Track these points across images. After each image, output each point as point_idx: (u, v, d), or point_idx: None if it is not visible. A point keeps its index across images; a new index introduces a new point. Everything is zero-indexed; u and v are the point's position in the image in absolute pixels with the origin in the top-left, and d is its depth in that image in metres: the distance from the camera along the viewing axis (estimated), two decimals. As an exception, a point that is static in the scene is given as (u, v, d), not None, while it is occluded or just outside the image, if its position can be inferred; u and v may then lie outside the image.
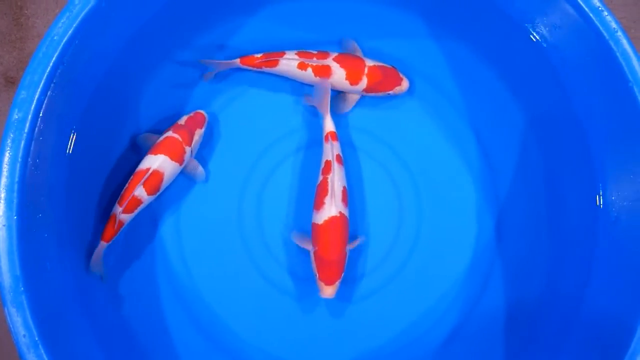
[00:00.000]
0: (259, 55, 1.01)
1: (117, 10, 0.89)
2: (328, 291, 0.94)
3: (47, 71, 0.80)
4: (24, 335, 0.76)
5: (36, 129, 0.81)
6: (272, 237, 1.03)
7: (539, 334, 0.98)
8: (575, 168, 1.00)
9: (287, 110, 1.06)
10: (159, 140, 0.97)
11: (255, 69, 1.02)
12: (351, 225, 1.01)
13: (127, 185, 0.94)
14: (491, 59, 1.07)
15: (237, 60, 1.01)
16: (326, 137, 0.99)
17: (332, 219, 0.94)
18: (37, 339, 0.76)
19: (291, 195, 1.04)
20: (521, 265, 1.02)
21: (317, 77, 1.01)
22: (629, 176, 0.89)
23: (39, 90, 0.80)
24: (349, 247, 0.97)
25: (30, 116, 0.80)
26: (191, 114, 1.00)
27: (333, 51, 1.03)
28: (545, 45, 0.99)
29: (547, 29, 0.97)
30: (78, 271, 0.92)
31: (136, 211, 0.94)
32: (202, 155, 1.04)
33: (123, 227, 0.94)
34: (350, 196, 1.00)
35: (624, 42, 0.86)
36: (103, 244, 0.93)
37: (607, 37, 0.87)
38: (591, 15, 0.88)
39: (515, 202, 1.05)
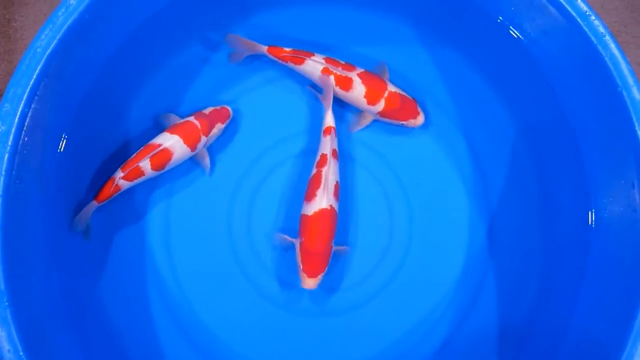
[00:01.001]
0: (287, 49, 1.01)
1: (102, 21, 0.89)
2: (309, 283, 0.94)
3: (31, 84, 0.80)
4: (9, 350, 0.75)
5: (20, 141, 0.80)
6: (261, 244, 1.02)
7: (531, 344, 0.97)
8: (567, 174, 0.99)
9: (289, 114, 1.06)
10: (179, 122, 0.98)
11: (279, 61, 1.02)
12: (341, 234, 1.00)
13: (135, 154, 0.95)
14: (481, 65, 1.07)
15: (265, 47, 1.01)
16: (325, 130, 1.00)
17: (322, 212, 0.94)
18: (21, 353, 0.76)
19: (282, 202, 1.03)
20: (513, 275, 1.01)
21: (323, 76, 1.00)
22: (620, 181, 0.88)
23: (23, 103, 0.80)
24: (334, 248, 0.96)
25: (14, 129, 0.79)
26: (217, 107, 1.01)
27: (360, 67, 1.02)
28: (534, 50, 0.98)
29: (535, 34, 0.97)
30: (64, 284, 0.91)
31: (135, 181, 0.95)
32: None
33: (118, 192, 0.95)
34: (339, 205, 0.99)
35: (612, 46, 0.85)
36: (94, 204, 0.93)
37: (595, 42, 0.86)
38: (579, 20, 0.87)
39: (507, 210, 1.04)
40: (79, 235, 0.95)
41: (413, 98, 1.02)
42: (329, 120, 1.00)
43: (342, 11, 1.07)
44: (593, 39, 0.86)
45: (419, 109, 1.02)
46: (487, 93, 1.07)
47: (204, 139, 0.98)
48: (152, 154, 0.94)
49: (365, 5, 1.07)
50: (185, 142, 0.96)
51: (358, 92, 1.00)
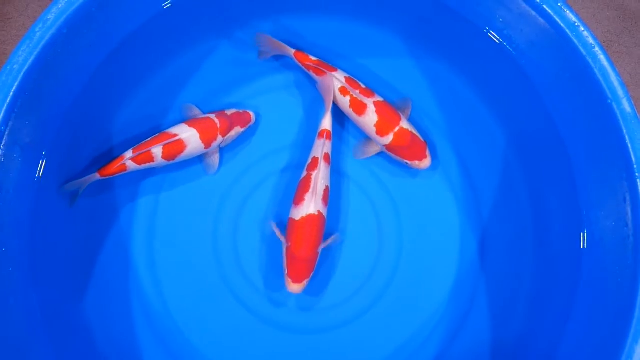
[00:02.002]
0: (313, 58, 1.00)
1: (83, 36, 0.87)
2: (294, 288, 0.93)
3: (7, 102, 0.78)
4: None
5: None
6: (248, 260, 1.00)
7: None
8: (559, 187, 0.97)
9: (280, 127, 1.05)
10: (199, 116, 0.97)
11: (302, 66, 1.01)
12: (327, 249, 0.99)
13: (149, 139, 0.95)
14: (471, 78, 1.05)
15: (292, 51, 1.00)
16: (320, 133, 0.98)
17: (310, 217, 0.92)
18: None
19: (268, 216, 1.01)
20: (505, 290, 0.99)
21: (323, 77, 0.99)
22: (611, 195, 0.86)
23: (-1, 120, 0.78)
24: (323, 245, 0.95)
25: (-10, 147, 0.77)
26: (240, 110, 1.00)
27: (379, 95, 1.00)
28: (523, 62, 0.97)
29: (524, 46, 0.95)
30: (46, 303, 0.89)
31: (143, 166, 0.95)
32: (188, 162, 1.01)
33: (123, 172, 0.94)
34: (327, 219, 0.97)
35: (602, 57, 0.84)
36: (96, 176, 0.93)
37: (584, 54, 0.84)
38: (567, 31, 0.85)
39: (499, 224, 1.02)
40: (63, 256, 0.93)
41: (424, 141, 0.99)
42: (326, 123, 0.99)
43: (333, 22, 1.06)
44: (582, 50, 0.85)
45: (427, 153, 0.99)
46: (477, 105, 1.05)
47: (220, 138, 0.97)
48: (166, 142, 0.94)
49: (355, 17, 1.06)
50: (201, 138, 0.95)
51: (369, 119, 0.98)
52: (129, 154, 0.94)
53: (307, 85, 1.06)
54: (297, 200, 0.94)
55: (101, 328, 0.96)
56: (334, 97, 1.00)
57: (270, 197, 1.02)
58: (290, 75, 1.06)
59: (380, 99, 0.99)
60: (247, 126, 1.01)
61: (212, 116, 0.97)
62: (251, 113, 1.01)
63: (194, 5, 0.98)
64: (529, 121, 1.00)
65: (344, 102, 0.99)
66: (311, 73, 1.01)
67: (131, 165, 0.94)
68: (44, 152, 0.90)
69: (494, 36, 0.98)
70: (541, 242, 0.99)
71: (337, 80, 0.99)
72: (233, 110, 1.00)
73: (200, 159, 1.02)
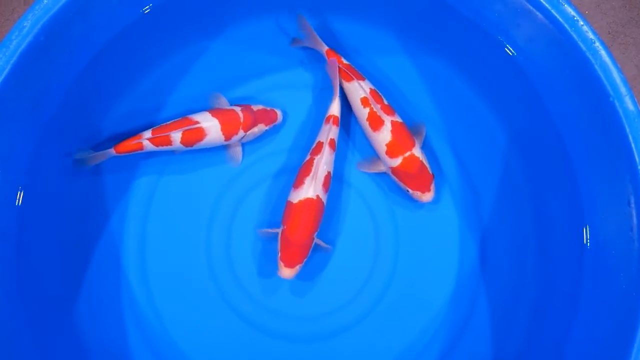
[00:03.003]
0: (344, 62, 0.97)
1: (62, 43, 0.84)
2: (286, 272, 0.90)
3: (-17, 112, 0.76)
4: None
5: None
6: (241, 268, 0.97)
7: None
8: (560, 188, 0.93)
9: (274, 131, 1.01)
10: (225, 107, 0.96)
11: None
12: (323, 255, 0.96)
13: (170, 122, 0.94)
14: (469, 75, 1.01)
15: (325, 48, 0.98)
16: (327, 118, 0.96)
17: (308, 201, 0.90)
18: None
19: (262, 222, 0.99)
20: (506, 296, 0.96)
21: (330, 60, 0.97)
22: (614, 197, 0.82)
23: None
24: (317, 241, 0.93)
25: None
26: (268, 108, 0.98)
27: (398, 116, 0.96)
28: (521, 59, 0.92)
29: (522, 41, 0.91)
30: (33, 317, 0.87)
31: (160, 148, 0.93)
32: (181, 169, 0.99)
33: (139, 151, 0.93)
34: (324, 220, 0.94)
35: (603, 53, 0.79)
36: (112, 152, 0.92)
37: (584, 49, 0.80)
38: (566, 25, 0.81)
39: (500, 226, 0.99)
40: (48, 258, 0.91)
41: (432, 173, 0.95)
42: (334, 108, 0.96)
43: (330, 21, 1.03)
44: (582, 46, 0.80)
45: (432, 187, 0.95)
46: (476, 104, 1.01)
47: (241, 133, 0.95)
48: (186, 128, 0.93)
49: (350, 15, 1.02)
50: (222, 129, 0.94)
51: (383, 137, 0.94)
52: (147, 133, 0.92)
53: (304, 88, 1.03)
54: (297, 183, 0.92)
55: (92, 336, 0.94)
56: (353, 105, 0.97)
57: (264, 202, 0.99)
58: (288, 76, 1.03)
59: (399, 119, 0.95)
60: (272, 125, 0.98)
61: (238, 109, 0.95)
62: (278, 112, 0.98)
63: (173, 9, 0.95)
64: (529, 121, 0.96)
65: (362, 113, 0.95)
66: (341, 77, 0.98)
67: (148, 145, 0.92)
68: (26, 164, 0.88)
69: (490, 31, 0.94)
70: (543, 246, 0.95)
71: (361, 90, 0.95)
72: (260, 107, 0.97)
73: (194, 164, 1.00)
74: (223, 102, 0.98)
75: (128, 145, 0.93)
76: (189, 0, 0.96)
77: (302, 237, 0.90)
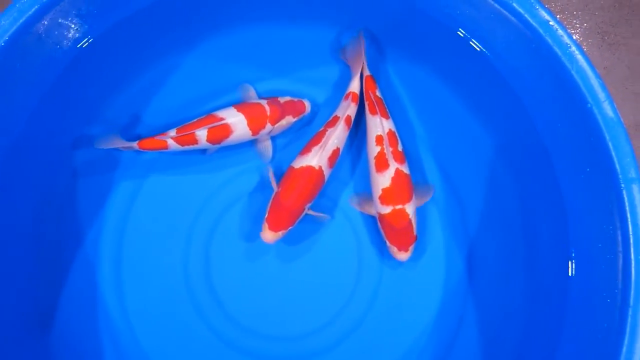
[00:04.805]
0: (378, 95, 0.94)
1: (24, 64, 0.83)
2: (268, 235, 0.88)
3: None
4: None
5: None
6: (222, 290, 0.95)
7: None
8: (546, 198, 0.89)
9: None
10: (251, 101, 0.94)
11: (364, 92, 0.95)
12: (305, 270, 0.94)
13: (195, 120, 0.91)
14: (452, 84, 0.98)
15: (366, 74, 0.95)
16: (346, 95, 0.95)
17: (309, 169, 0.89)
18: None
19: (242, 237, 0.96)
20: (495, 312, 0.92)
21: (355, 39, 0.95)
22: (599, 207, 0.78)
23: None
24: (310, 213, 0.91)
25: None
26: (295, 99, 0.96)
27: (407, 167, 0.91)
28: (499, 65, 0.89)
29: (499, 47, 0.88)
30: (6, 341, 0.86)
31: (186, 147, 0.91)
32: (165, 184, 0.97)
33: (163, 149, 0.91)
34: (302, 237, 0.92)
35: (579, 58, 0.76)
36: (135, 146, 0.90)
37: (560, 54, 0.77)
38: (540, 30, 0.78)
39: (487, 238, 0.95)
40: (21, 279, 0.89)
41: (416, 236, 0.90)
42: (354, 85, 0.95)
43: (305, 30, 1.00)
44: (558, 51, 0.77)
45: (410, 249, 0.90)
46: (460, 113, 0.98)
47: (269, 126, 0.93)
48: (211, 125, 0.91)
49: (326, 24, 1.00)
50: (248, 124, 0.92)
51: (381, 181, 0.90)
52: (172, 132, 0.91)
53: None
54: (304, 150, 0.91)
55: (66, 354, 0.92)
56: (368, 138, 0.93)
57: (244, 217, 0.97)
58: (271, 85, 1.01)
59: (405, 170, 0.91)
60: (300, 116, 0.96)
61: (264, 102, 0.93)
62: (306, 102, 0.96)
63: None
64: (514, 130, 0.93)
65: (373, 150, 0.92)
66: (366, 102, 0.94)
67: (173, 145, 0.90)
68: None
69: (466, 37, 0.91)
70: (532, 258, 0.92)
71: (380, 127, 0.92)
72: (287, 98, 0.95)
73: (173, 176, 0.98)
74: (252, 94, 0.96)
75: (151, 142, 0.90)
76: (158, 16, 0.95)
77: (294, 204, 0.88)
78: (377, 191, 0.90)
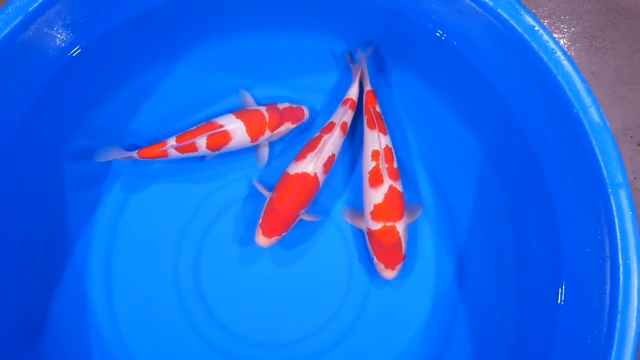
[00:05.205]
0: (377, 110, 0.94)
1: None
2: (262, 240, 0.88)
3: None
4: None
5: None
6: (211, 294, 0.95)
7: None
8: (536, 204, 0.89)
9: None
10: (249, 107, 0.95)
11: (363, 105, 0.95)
12: (295, 277, 0.94)
13: (194, 127, 0.92)
14: (440, 90, 0.98)
15: (367, 88, 0.96)
16: (344, 101, 0.95)
17: (304, 175, 0.89)
18: None
19: (233, 246, 0.96)
20: (486, 317, 0.92)
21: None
22: (588, 212, 0.78)
23: None
24: (304, 217, 0.91)
25: None
26: (294, 105, 0.96)
27: (400, 184, 0.91)
28: (486, 70, 0.89)
29: (485, 52, 0.87)
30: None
31: (186, 154, 0.92)
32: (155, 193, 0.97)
33: (163, 158, 0.91)
34: (293, 245, 0.92)
35: (565, 63, 0.76)
36: (136, 156, 0.90)
37: (545, 59, 0.77)
38: (525, 36, 0.78)
39: (477, 245, 0.95)
40: (12, 291, 0.89)
41: (404, 255, 0.90)
42: (352, 92, 0.95)
43: (300, 38, 1.00)
44: (543, 56, 0.77)
45: (398, 268, 0.90)
46: (449, 119, 0.98)
47: (268, 133, 0.94)
48: (210, 132, 0.91)
49: (322, 32, 1.00)
50: (247, 131, 0.92)
51: (374, 196, 0.89)
52: (172, 141, 0.91)
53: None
54: (299, 156, 0.91)
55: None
56: (364, 153, 0.93)
57: (234, 225, 0.96)
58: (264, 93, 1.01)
59: (399, 188, 0.91)
60: (299, 123, 0.96)
61: (263, 109, 0.94)
62: (304, 109, 0.97)
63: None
64: (503, 136, 0.93)
65: (368, 165, 0.91)
66: (364, 117, 0.94)
67: (173, 153, 0.91)
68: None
69: (451, 42, 0.91)
70: (521, 264, 0.91)
71: (377, 142, 0.91)
72: (286, 105, 0.96)
73: (162, 185, 0.98)
74: (250, 102, 0.96)
75: (151, 151, 0.91)
76: (149, 24, 0.95)
77: (288, 210, 0.88)
78: (369, 207, 0.90)
